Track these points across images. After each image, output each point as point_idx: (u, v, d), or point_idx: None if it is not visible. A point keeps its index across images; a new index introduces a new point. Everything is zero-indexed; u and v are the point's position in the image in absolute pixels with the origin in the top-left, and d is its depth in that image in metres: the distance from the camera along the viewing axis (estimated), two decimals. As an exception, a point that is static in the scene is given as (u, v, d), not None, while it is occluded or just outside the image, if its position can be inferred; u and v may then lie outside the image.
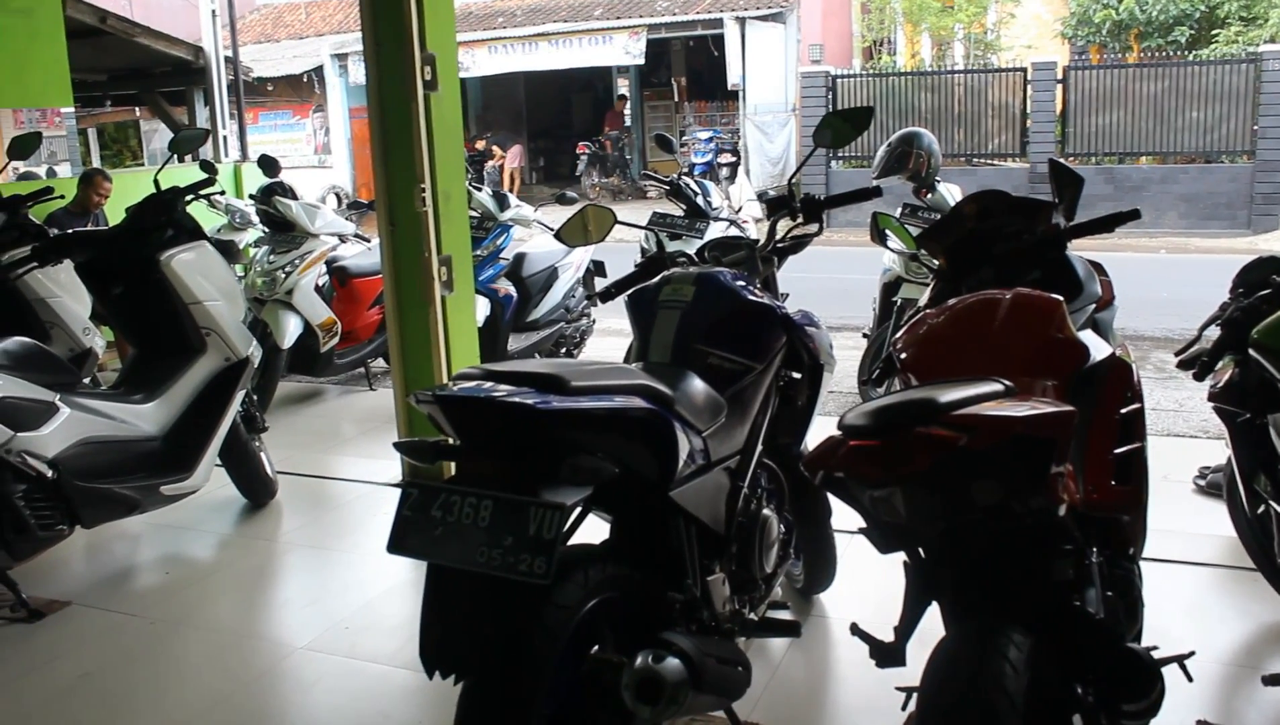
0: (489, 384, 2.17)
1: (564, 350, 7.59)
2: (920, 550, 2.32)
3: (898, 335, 2.79)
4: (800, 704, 3.30)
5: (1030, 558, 2.19)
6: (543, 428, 2.14)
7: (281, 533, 4.86)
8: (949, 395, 1.96)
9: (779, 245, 3.45)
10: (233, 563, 4.62)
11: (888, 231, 4.76)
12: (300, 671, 3.60)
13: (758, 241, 3.47)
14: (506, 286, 7.01)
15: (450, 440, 2.29)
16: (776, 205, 3.47)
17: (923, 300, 3.13)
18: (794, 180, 3.87)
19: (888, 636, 2.37)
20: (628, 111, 24.70)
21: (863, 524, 2.26)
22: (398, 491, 5.11)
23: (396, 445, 2.44)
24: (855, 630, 2.42)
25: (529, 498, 2.05)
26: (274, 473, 5.17)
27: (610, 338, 8.59)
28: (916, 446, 1.90)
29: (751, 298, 3.06)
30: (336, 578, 4.36)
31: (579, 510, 2.41)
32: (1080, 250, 3.03)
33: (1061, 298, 2.62)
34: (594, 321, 7.87)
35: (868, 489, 2.06)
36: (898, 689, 2.49)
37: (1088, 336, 2.66)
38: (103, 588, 4.35)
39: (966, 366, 2.40)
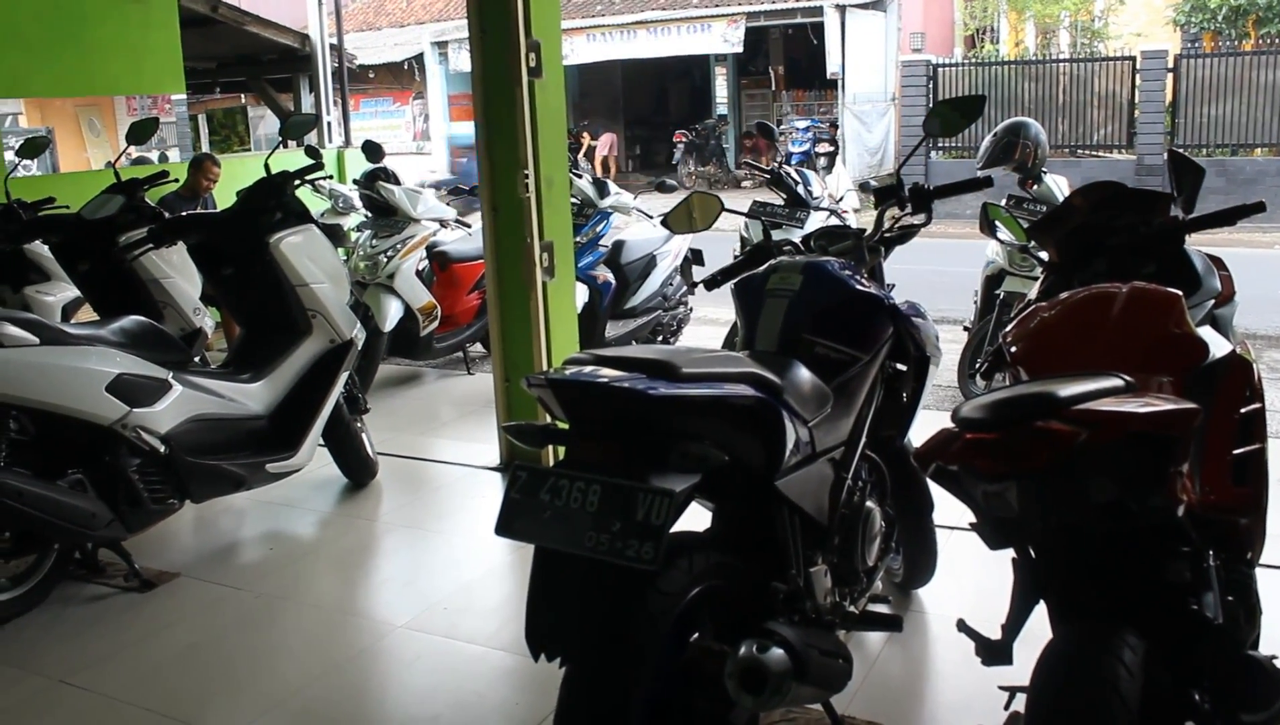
0: (599, 369, 2.18)
1: (660, 338, 7.60)
2: (1030, 547, 2.28)
3: (1008, 328, 2.73)
4: (898, 699, 3.26)
5: (1146, 559, 2.13)
6: (653, 413, 2.13)
7: (381, 513, 4.94)
8: (1068, 389, 1.91)
9: (886, 235, 3.40)
10: (334, 541, 4.71)
11: (997, 222, 4.67)
12: (399, 650, 3.65)
13: (864, 231, 3.42)
14: (605, 273, 7.03)
15: (558, 424, 2.29)
16: (884, 195, 3.43)
17: (1032, 293, 3.07)
18: (900, 170, 3.81)
19: (992, 633, 2.33)
20: (724, 100, 24.60)
21: (972, 519, 2.22)
22: (495, 475, 5.23)
23: (504, 428, 2.46)
24: (962, 627, 2.39)
25: (638, 483, 2.05)
26: (375, 453, 5.26)
27: (706, 326, 8.57)
28: (1035, 441, 1.86)
29: (859, 287, 3.03)
30: (435, 559, 4.42)
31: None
32: (1194, 245, 2.94)
33: (1180, 292, 2.54)
34: (691, 309, 7.86)
35: (982, 483, 2.02)
36: (1001, 688, 2.45)
37: (1206, 333, 2.58)
38: (209, 561, 4.46)
39: (1080, 361, 2.35)
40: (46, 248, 5.42)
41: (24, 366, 3.74)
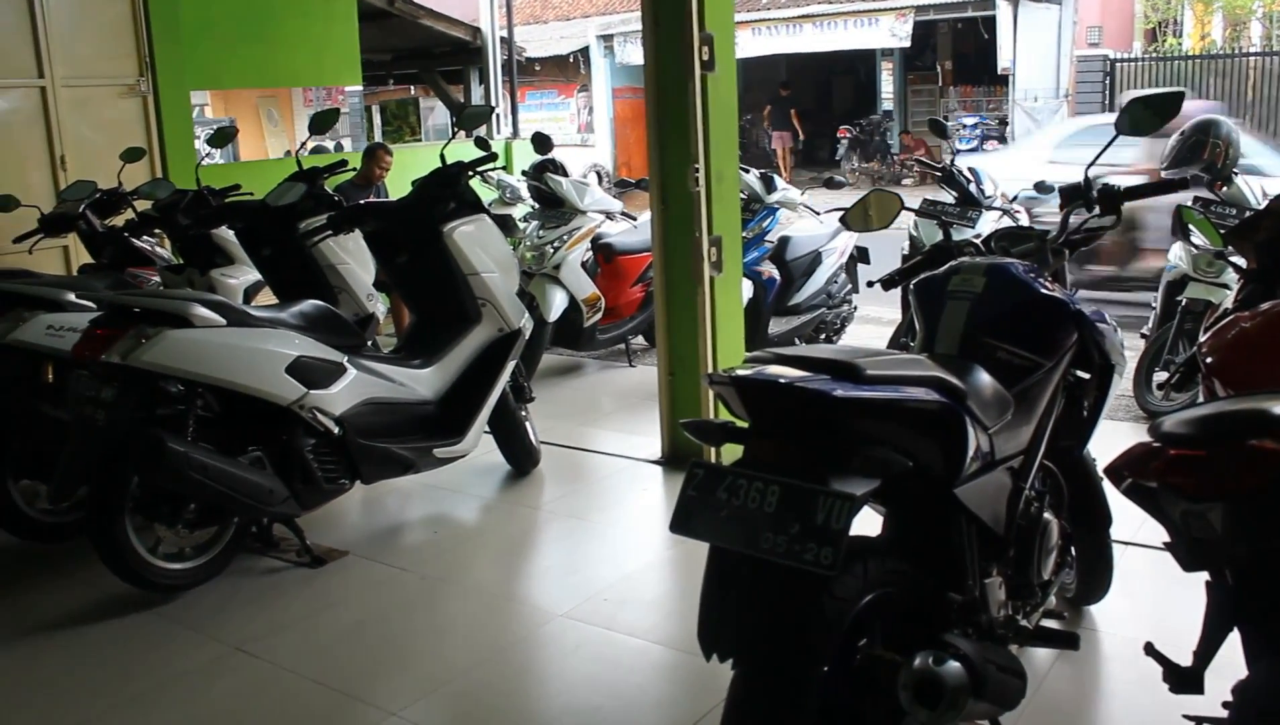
0: (782, 368, 2.14)
1: (824, 336, 7.50)
2: (1229, 572, 2.15)
3: (1203, 338, 2.60)
4: (1066, 721, 3.14)
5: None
6: (836, 415, 2.09)
7: (543, 501, 4.99)
8: (1285, 407, 1.80)
9: (1071, 237, 3.27)
10: (497, 527, 4.78)
11: (1190, 226, 4.46)
12: (560, 638, 3.68)
13: (1047, 233, 3.30)
14: (770, 269, 6.98)
15: (737, 422, 2.26)
16: (1071, 195, 3.30)
17: (1228, 302, 2.92)
18: (1089, 169, 3.66)
19: (1174, 657, 2.21)
20: (889, 95, 24.16)
21: (1166, 538, 2.11)
22: (657, 468, 5.23)
23: (683, 425, 2.44)
24: (1150, 650, 2.28)
25: (818, 486, 2.01)
26: (538, 442, 5.31)
27: (869, 326, 8.43)
28: (1246, 461, 1.75)
29: (1044, 291, 2.93)
30: (595, 549, 4.45)
31: None
32: None
33: None
34: (855, 308, 7.74)
35: (1183, 502, 1.92)
36: (1187, 718, 2.32)
37: None
38: (377, 541, 4.58)
39: (1285, 375, 2.22)
40: (232, 233, 5.62)
41: (212, 346, 3.90)
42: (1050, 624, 3.03)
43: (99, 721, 3.26)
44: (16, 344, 4.26)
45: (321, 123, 5.57)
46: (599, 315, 7.13)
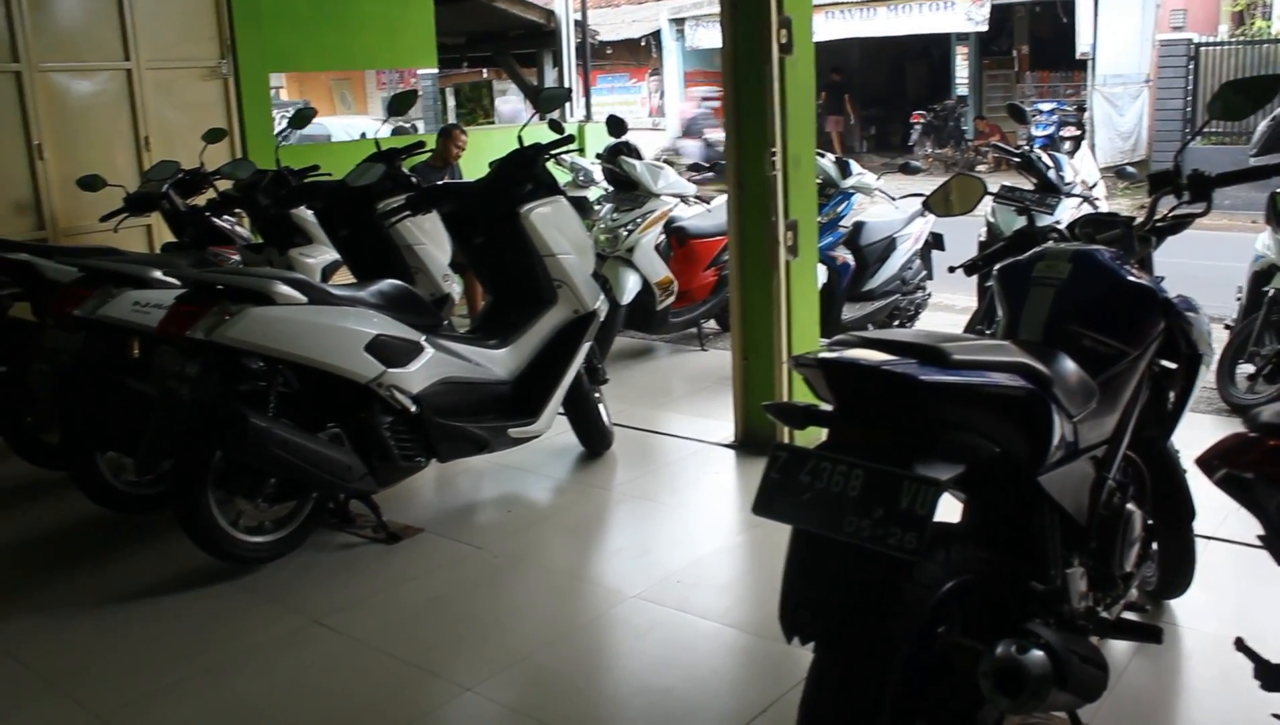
0: (867, 352, 2.12)
1: (897, 322, 7.43)
2: None
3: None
4: (1147, 715, 3.08)
5: None
6: (922, 399, 2.07)
7: (615, 483, 5.01)
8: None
9: (1158, 224, 3.21)
10: (570, 507, 4.80)
11: (1283, 213, 4.35)
12: (632, 619, 3.69)
13: (1133, 219, 3.24)
14: (844, 255, 6.93)
15: (820, 405, 2.25)
16: (1159, 182, 3.23)
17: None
18: (1179, 155, 3.58)
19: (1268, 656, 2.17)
20: (963, 80, 23.83)
21: (1258, 533, 2.07)
22: (729, 452, 5.23)
23: (765, 407, 2.43)
24: (1240, 646, 2.24)
25: (903, 470, 2.00)
26: (611, 424, 5.33)
27: (942, 312, 8.34)
28: (1349, 452, 1.71)
29: (1131, 278, 2.87)
30: (668, 531, 4.45)
31: None
32: None
33: None
34: (929, 295, 7.66)
35: (1280, 493, 1.88)
36: (1276, 716, 2.28)
37: None
38: (451, 519, 4.62)
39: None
40: (311, 212, 5.69)
41: (294, 324, 3.95)
42: (1131, 617, 2.99)
43: (182, 688, 3.34)
44: (104, 319, 4.36)
45: (400, 104, 5.63)
46: (671, 298, 7.13)
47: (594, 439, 5.24)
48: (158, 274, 4.52)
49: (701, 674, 3.32)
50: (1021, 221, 5.69)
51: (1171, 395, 3.14)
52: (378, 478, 4.24)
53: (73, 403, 4.46)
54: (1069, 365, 2.56)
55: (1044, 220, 5.52)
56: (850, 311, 7.00)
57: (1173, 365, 3.08)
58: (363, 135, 11.51)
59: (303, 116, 6.31)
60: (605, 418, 5.28)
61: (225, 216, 6.35)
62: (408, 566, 4.16)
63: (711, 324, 7.77)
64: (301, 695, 3.30)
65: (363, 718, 3.18)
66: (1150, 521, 3.15)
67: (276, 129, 8.37)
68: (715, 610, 3.71)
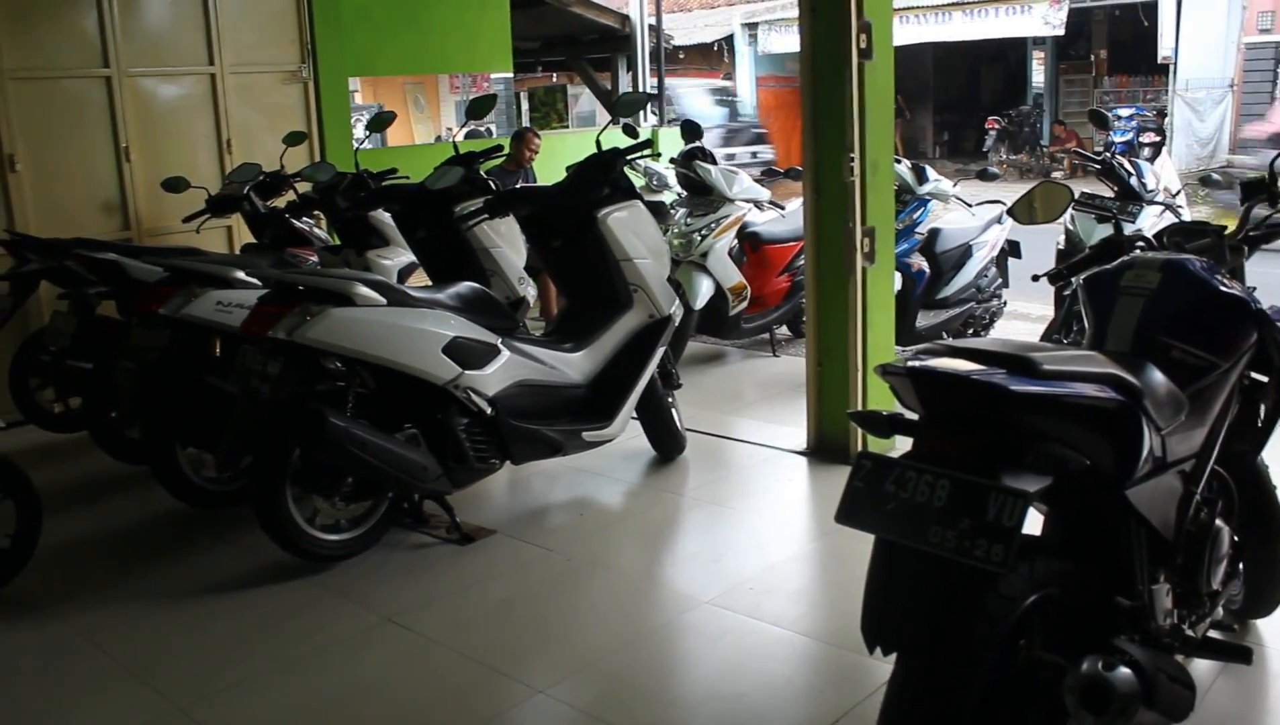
0: (956, 361, 2.10)
1: (971, 331, 7.34)
2: None
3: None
4: (1234, 737, 3.02)
5: None
6: (1009, 410, 2.04)
7: (688, 488, 5.00)
8: None
9: (1251, 233, 3.14)
10: (642, 512, 4.80)
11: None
12: (705, 625, 3.68)
13: (1224, 228, 3.17)
14: (919, 261, 6.84)
15: (906, 414, 2.23)
16: (1252, 190, 3.17)
17: None
18: (1275, 162, 3.49)
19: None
20: (1040, 85, 23.50)
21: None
22: (801, 459, 5.19)
23: (850, 416, 2.41)
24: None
25: (990, 481, 1.97)
26: (684, 429, 5.32)
27: (1017, 321, 8.22)
28: None
29: (1223, 289, 2.81)
30: (740, 538, 4.43)
31: None
32: None
33: None
34: (1005, 303, 7.55)
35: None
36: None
37: None
38: (524, 521, 4.64)
39: None
40: (388, 215, 5.76)
41: (373, 325, 4.00)
42: (1218, 636, 2.92)
43: (257, 682, 3.39)
44: (188, 318, 4.45)
45: (479, 109, 5.66)
46: (744, 304, 7.10)
47: (666, 444, 5.24)
48: (240, 274, 4.60)
49: (773, 681, 3.30)
50: (1102, 230, 5.60)
51: (1263, 409, 3.06)
52: (452, 479, 4.27)
53: (156, 399, 4.57)
54: (1158, 377, 2.51)
55: (1125, 228, 5.43)
56: (925, 319, 6.92)
57: (1264, 378, 3.01)
58: (437, 138, 11.62)
59: (380, 120, 6.37)
60: (678, 422, 5.27)
61: (304, 218, 6.44)
62: (480, 567, 4.19)
63: (784, 330, 7.72)
64: (373, 692, 3.33)
65: (434, 715, 3.20)
66: (1238, 538, 3.07)
67: (356, 134, 8.47)
68: (788, 618, 3.68)
